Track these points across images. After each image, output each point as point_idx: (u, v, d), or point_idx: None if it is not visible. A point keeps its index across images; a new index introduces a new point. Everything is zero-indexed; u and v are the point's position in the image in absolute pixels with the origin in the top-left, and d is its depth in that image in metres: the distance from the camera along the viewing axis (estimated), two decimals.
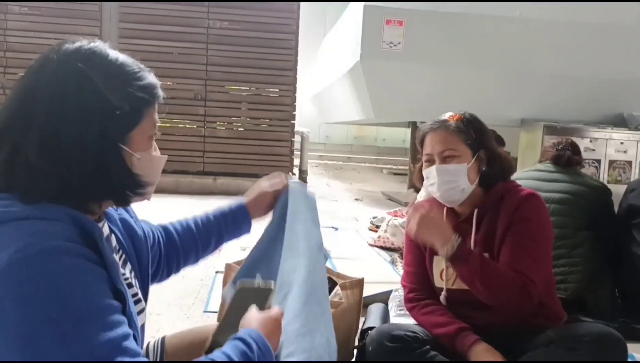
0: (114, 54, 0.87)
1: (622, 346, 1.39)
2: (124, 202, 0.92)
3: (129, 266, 0.99)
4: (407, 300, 1.67)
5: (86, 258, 0.77)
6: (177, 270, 1.23)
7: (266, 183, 1.30)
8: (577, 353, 1.36)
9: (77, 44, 0.85)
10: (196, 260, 1.25)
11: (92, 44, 0.86)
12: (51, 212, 0.78)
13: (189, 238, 1.22)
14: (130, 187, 0.88)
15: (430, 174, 1.58)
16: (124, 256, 0.98)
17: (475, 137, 1.58)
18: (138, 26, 6.24)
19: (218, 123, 6.51)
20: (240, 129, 6.58)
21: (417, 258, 1.67)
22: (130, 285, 0.95)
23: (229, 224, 1.26)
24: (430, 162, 1.59)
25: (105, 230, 0.93)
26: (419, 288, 1.65)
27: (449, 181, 1.55)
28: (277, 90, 6.55)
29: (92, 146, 0.80)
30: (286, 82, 6.53)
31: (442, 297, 1.60)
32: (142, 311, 0.98)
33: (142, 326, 0.98)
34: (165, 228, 1.21)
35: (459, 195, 1.57)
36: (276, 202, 1.28)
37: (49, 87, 0.80)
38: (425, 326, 1.56)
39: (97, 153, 0.81)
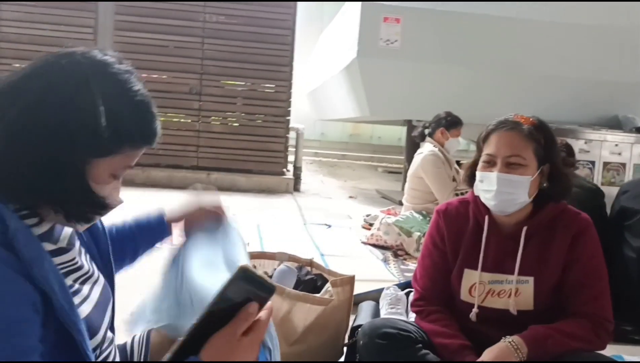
0: (135, 82, 0.83)
1: None
2: (80, 219, 0.85)
3: (83, 249, 0.96)
4: (416, 304, 1.60)
5: (5, 264, 0.72)
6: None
7: (198, 211, 1.16)
8: None
9: (106, 57, 0.83)
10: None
11: (118, 66, 0.83)
12: None
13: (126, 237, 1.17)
14: (84, 204, 0.83)
15: (488, 179, 1.44)
16: (78, 243, 0.94)
17: (544, 147, 1.44)
18: (134, 19, 6.19)
19: (213, 118, 6.48)
20: (235, 124, 6.55)
21: (435, 264, 1.59)
22: (78, 269, 0.90)
23: (146, 237, 1.19)
24: (490, 163, 1.45)
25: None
26: (431, 296, 1.57)
27: (509, 192, 1.41)
28: (273, 85, 6.52)
29: (55, 151, 0.76)
30: (282, 78, 6.51)
31: (472, 314, 1.50)
32: (101, 286, 0.94)
33: (103, 302, 0.94)
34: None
35: (513, 208, 1.45)
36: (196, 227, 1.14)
37: (41, 81, 0.77)
38: (427, 332, 1.51)
39: (59, 158, 0.77)
